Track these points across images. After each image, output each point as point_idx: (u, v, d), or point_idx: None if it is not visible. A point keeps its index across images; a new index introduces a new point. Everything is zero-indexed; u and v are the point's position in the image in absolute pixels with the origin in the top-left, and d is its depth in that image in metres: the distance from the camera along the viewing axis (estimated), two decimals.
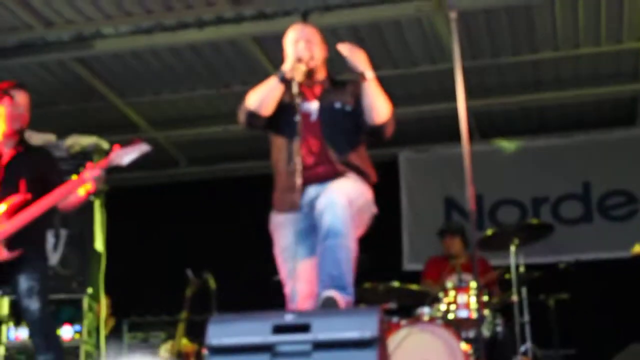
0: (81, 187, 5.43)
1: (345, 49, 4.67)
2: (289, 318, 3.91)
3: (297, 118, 4.75)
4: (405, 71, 8.89)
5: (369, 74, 4.66)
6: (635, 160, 9.81)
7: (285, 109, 4.81)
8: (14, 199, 5.45)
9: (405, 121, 9.72)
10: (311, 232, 4.58)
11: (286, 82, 4.77)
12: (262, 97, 4.76)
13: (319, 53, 4.91)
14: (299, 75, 4.82)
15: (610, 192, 9.89)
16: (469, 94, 8.71)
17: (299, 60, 4.77)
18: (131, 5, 7.49)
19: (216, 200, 10.59)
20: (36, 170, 5.63)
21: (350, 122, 4.80)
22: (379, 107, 4.73)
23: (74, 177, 5.44)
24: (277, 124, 4.83)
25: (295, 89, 4.80)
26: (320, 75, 4.95)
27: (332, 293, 4.22)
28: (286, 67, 4.78)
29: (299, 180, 4.68)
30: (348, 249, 4.37)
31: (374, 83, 4.68)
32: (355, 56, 4.67)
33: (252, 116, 4.77)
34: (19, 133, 5.73)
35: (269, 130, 4.89)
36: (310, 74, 4.87)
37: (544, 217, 9.71)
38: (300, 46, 4.86)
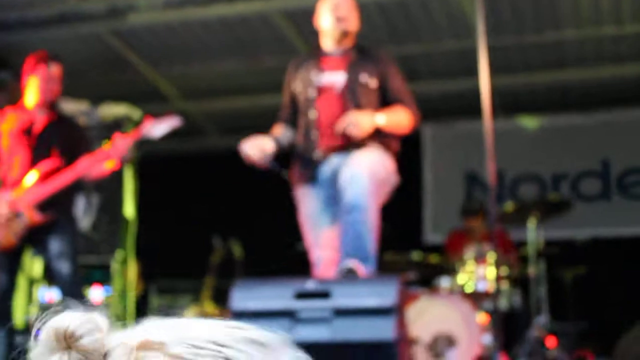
0: (106, 160, 5.62)
1: (341, 128, 4.73)
2: (310, 285, 4.08)
3: (313, 94, 4.90)
4: (429, 47, 8.98)
5: (380, 121, 4.77)
6: None
7: (304, 85, 4.96)
8: (46, 165, 5.64)
9: (428, 97, 9.84)
10: (334, 201, 4.72)
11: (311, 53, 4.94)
12: None
13: (353, 20, 5.04)
14: (328, 40, 4.99)
15: (629, 170, 9.96)
16: (493, 71, 8.94)
17: (339, 19, 4.90)
18: None
19: (244, 170, 10.68)
20: (67, 139, 5.81)
21: (374, 95, 4.92)
22: (399, 133, 4.90)
23: (105, 145, 5.60)
24: (298, 100, 5.00)
25: (315, 62, 4.98)
26: (349, 44, 5.08)
27: (352, 263, 4.37)
28: (324, 26, 4.89)
29: (315, 154, 4.84)
30: (370, 223, 4.51)
31: (385, 124, 4.80)
32: (362, 130, 4.71)
33: None
34: (50, 103, 5.89)
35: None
36: (342, 38, 5.00)
37: (564, 193, 9.80)
38: (342, 8, 4.97)
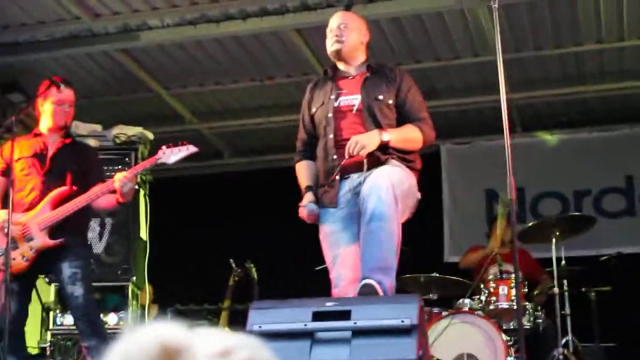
0: (114, 191, 5.53)
1: (347, 151, 4.69)
2: (329, 305, 3.96)
3: (330, 114, 4.84)
4: (447, 63, 8.87)
5: (386, 137, 4.71)
6: None
7: (322, 106, 4.90)
8: (60, 190, 5.60)
9: (447, 113, 9.76)
10: (355, 219, 4.64)
11: (325, 76, 4.89)
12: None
13: (352, 38, 4.98)
14: (334, 57, 4.97)
15: None
16: (511, 86, 8.84)
17: (332, 42, 4.92)
18: None
19: (259, 191, 10.65)
20: (81, 165, 5.79)
21: (392, 112, 4.87)
22: (407, 149, 4.81)
23: (116, 176, 5.52)
24: (316, 122, 4.94)
25: (332, 83, 4.93)
26: (359, 60, 5.02)
27: (370, 281, 4.26)
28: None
29: (337, 177, 4.76)
30: (392, 233, 4.42)
31: (393, 140, 4.74)
32: (367, 149, 4.68)
33: None
34: (64, 128, 5.88)
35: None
36: (339, 56, 4.97)
37: (586, 210, 9.63)
38: (337, 28, 4.98)
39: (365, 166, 4.71)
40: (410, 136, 4.82)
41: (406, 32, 8.16)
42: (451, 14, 7.89)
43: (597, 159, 9.97)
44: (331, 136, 4.83)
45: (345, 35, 4.97)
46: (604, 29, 8.17)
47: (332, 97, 4.90)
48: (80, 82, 8.26)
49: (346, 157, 4.68)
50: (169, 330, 1.15)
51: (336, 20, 5.07)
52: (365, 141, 4.65)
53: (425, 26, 8.09)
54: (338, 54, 4.98)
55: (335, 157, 4.80)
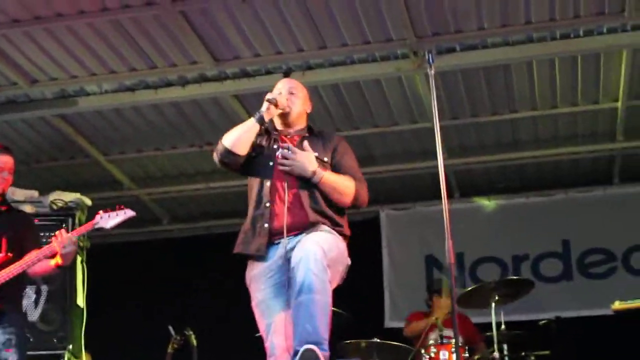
0: (52, 256, 5.46)
1: (285, 163, 4.71)
2: None
3: (272, 163, 4.81)
4: (385, 129, 8.95)
5: (318, 176, 4.70)
6: (613, 219, 9.89)
7: (262, 153, 4.87)
8: None
9: (385, 179, 9.82)
10: (287, 286, 4.57)
11: (262, 124, 4.85)
12: (238, 136, 4.80)
13: (299, 105, 4.99)
14: (276, 122, 4.94)
15: (589, 250, 9.96)
16: (449, 152, 8.94)
17: (271, 101, 4.85)
18: (115, 64, 7.53)
19: (198, 258, 10.57)
20: (16, 231, 5.67)
21: (328, 170, 4.84)
22: (338, 197, 4.77)
23: (52, 240, 5.45)
24: (252, 168, 4.88)
25: (274, 135, 4.90)
26: (300, 126, 5.02)
27: (311, 346, 4.21)
28: (262, 108, 4.84)
29: (266, 225, 4.70)
30: (322, 303, 4.35)
31: (326, 177, 4.72)
32: (297, 165, 4.70)
33: (227, 154, 4.80)
34: (1, 194, 5.78)
35: (244, 173, 4.94)
36: (285, 119, 4.95)
37: (525, 274, 9.68)
38: (278, 93, 4.96)
39: (297, 229, 4.67)
40: (343, 182, 4.77)
41: (344, 99, 8.22)
42: (389, 81, 7.98)
43: (534, 224, 10.09)
44: (267, 184, 4.81)
45: (294, 101, 4.98)
46: (538, 97, 8.32)
47: (275, 146, 4.89)
48: (17, 148, 8.17)
49: (285, 169, 4.69)
50: None
51: (286, 85, 5.05)
52: (299, 161, 4.67)
53: (363, 93, 8.17)
54: (285, 117, 4.97)
55: (268, 204, 4.75)
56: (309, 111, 5.09)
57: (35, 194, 8.17)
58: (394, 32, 7.12)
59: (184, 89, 7.86)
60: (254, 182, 4.86)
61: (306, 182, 4.73)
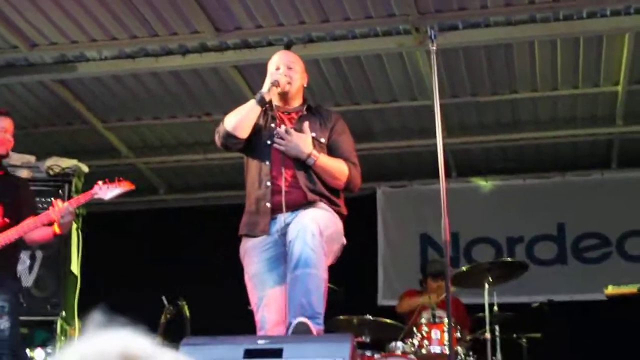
0: (49, 223, 5.44)
1: (280, 143, 4.73)
2: (261, 343, 3.92)
3: (270, 142, 4.81)
4: (384, 105, 8.93)
5: (312, 158, 4.72)
6: (609, 203, 9.89)
7: (260, 132, 4.86)
8: None
9: (383, 156, 9.81)
10: (281, 260, 4.59)
11: (263, 105, 4.83)
12: (239, 119, 4.81)
13: (297, 80, 4.98)
14: (274, 98, 4.92)
15: (584, 235, 9.96)
16: (448, 131, 8.91)
17: (274, 83, 4.83)
18: (116, 30, 7.50)
19: (193, 229, 10.57)
20: (14, 197, 5.68)
21: (324, 151, 4.85)
22: (331, 180, 4.79)
23: (50, 208, 5.44)
24: (251, 147, 4.88)
25: (271, 113, 4.89)
26: (297, 102, 5.01)
27: (304, 319, 4.22)
28: (264, 90, 4.83)
29: (268, 204, 4.71)
30: (318, 278, 4.38)
31: (320, 160, 4.74)
32: (292, 147, 4.73)
33: (229, 137, 4.81)
34: (1, 157, 5.78)
35: (243, 152, 4.94)
36: (284, 97, 4.94)
37: (519, 256, 9.69)
38: (280, 71, 4.93)
39: (294, 206, 4.68)
40: (337, 166, 4.80)
41: (345, 73, 8.20)
42: (390, 57, 7.95)
43: (530, 206, 10.09)
44: (267, 163, 4.80)
45: (292, 76, 4.96)
46: (539, 78, 8.30)
47: (272, 125, 4.88)
48: (15, 112, 8.12)
49: (280, 148, 4.72)
50: (131, 339, 1.14)
51: (284, 59, 5.05)
52: (295, 143, 4.70)
53: (363, 68, 8.15)
54: (285, 94, 4.96)
55: (269, 184, 4.76)
56: (305, 85, 5.09)
57: (32, 159, 8.15)
58: (397, 7, 7.09)
59: (184, 58, 7.82)
60: (252, 162, 4.87)
61: (303, 163, 4.75)
